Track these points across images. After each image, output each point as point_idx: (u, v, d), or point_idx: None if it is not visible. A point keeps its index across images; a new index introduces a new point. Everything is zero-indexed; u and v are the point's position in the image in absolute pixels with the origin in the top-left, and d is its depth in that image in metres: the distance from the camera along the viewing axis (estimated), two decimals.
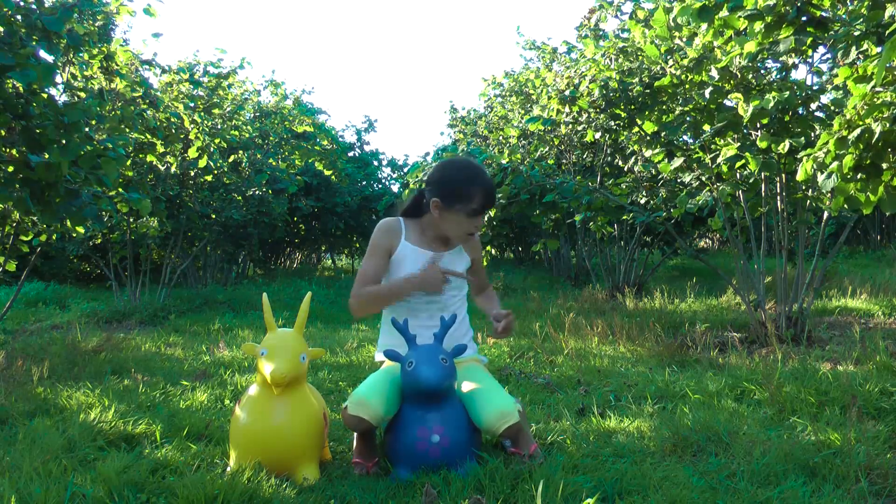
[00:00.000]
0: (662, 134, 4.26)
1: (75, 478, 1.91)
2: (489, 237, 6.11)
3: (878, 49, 2.83)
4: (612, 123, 5.02)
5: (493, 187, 2.18)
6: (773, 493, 1.79)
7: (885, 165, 2.71)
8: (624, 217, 5.12)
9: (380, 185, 13.15)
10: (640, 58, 4.66)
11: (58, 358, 3.75)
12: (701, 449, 2.19)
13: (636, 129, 4.79)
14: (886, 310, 5.05)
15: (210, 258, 8.82)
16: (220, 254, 8.92)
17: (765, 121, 3.61)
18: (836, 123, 2.79)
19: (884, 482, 1.86)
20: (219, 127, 6.93)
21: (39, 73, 2.95)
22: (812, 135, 3.66)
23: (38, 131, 3.12)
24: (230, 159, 7.82)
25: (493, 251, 11.23)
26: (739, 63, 3.66)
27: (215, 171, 6.92)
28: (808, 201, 3.93)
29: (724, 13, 3.21)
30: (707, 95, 3.74)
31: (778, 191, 4.02)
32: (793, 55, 3.62)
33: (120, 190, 4.07)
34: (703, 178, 4.19)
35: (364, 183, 12.67)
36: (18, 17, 3.12)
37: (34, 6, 3.19)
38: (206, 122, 6.44)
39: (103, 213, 4.91)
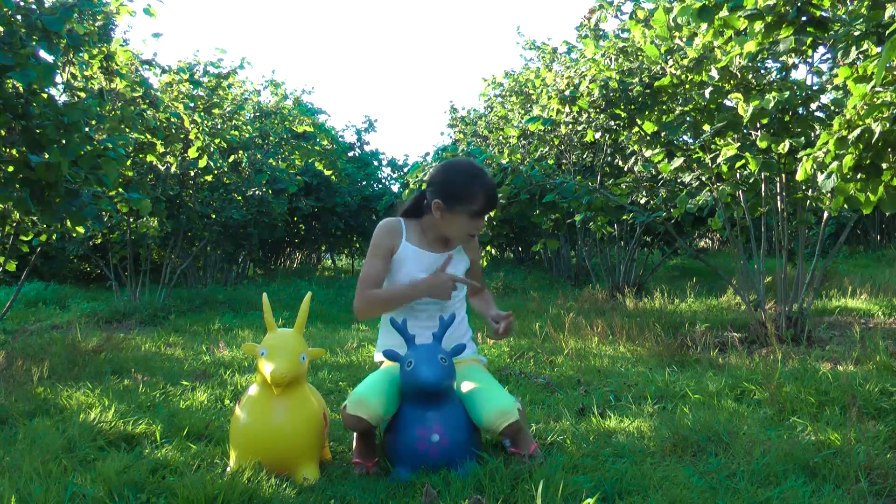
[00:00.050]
0: (662, 134, 4.27)
1: (75, 478, 1.91)
2: (489, 237, 6.11)
3: (878, 49, 2.83)
4: (612, 123, 5.01)
5: (495, 189, 2.18)
6: (773, 493, 1.79)
7: (884, 165, 2.71)
8: (624, 217, 5.12)
9: (380, 185, 13.15)
10: (640, 58, 4.66)
11: (58, 358, 3.75)
12: (701, 449, 2.19)
13: (636, 129, 4.79)
14: (886, 310, 5.05)
15: (210, 258, 8.81)
16: (220, 254, 8.92)
17: (765, 121, 3.61)
18: (835, 123, 2.79)
19: (884, 482, 1.86)
20: (219, 127, 6.93)
21: (39, 73, 2.95)
22: (812, 135, 3.66)
23: (38, 131, 3.13)
24: (230, 159, 7.82)
25: (493, 251, 11.22)
26: (739, 63, 3.66)
27: (215, 171, 6.91)
28: (808, 201, 3.93)
29: (724, 13, 3.21)
30: (707, 95, 3.74)
31: (778, 191, 4.02)
32: (793, 55, 3.62)
33: (120, 190, 4.07)
34: (703, 178, 4.19)
35: (364, 183, 12.67)
36: (18, 17, 3.12)
37: (34, 6, 3.20)
38: (206, 122, 6.44)
39: (103, 213, 4.92)
